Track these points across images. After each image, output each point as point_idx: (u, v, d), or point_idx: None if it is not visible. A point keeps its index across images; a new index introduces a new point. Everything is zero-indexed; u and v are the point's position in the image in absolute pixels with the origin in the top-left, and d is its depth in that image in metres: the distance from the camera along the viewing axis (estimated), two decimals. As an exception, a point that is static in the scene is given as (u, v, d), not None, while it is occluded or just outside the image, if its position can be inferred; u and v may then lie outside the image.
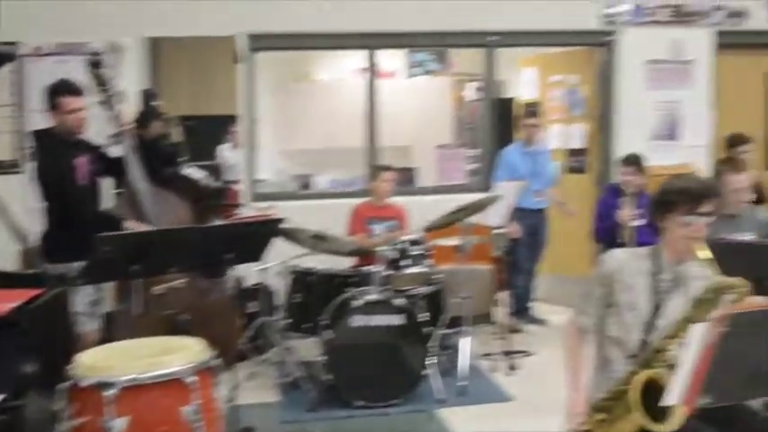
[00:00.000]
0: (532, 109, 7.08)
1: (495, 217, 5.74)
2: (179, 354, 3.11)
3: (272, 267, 5.36)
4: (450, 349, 5.47)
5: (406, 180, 7.62)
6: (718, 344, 2.11)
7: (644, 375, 2.66)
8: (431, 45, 8.14)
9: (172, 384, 2.96)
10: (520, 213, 6.19)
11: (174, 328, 3.74)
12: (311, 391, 4.90)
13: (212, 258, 3.84)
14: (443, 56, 9.08)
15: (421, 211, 5.77)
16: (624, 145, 6.79)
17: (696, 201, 2.79)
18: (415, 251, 5.21)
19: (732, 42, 7.14)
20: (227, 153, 8.24)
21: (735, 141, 6.45)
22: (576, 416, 2.88)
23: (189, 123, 7.67)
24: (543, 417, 3.55)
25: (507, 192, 5.81)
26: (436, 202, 6.11)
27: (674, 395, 2.25)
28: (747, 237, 4.40)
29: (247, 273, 5.61)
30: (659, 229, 2.93)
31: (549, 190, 6.71)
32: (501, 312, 6.52)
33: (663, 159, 6.76)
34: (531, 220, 6.55)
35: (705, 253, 2.73)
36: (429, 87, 9.12)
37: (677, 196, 2.82)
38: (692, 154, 7.02)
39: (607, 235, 5.92)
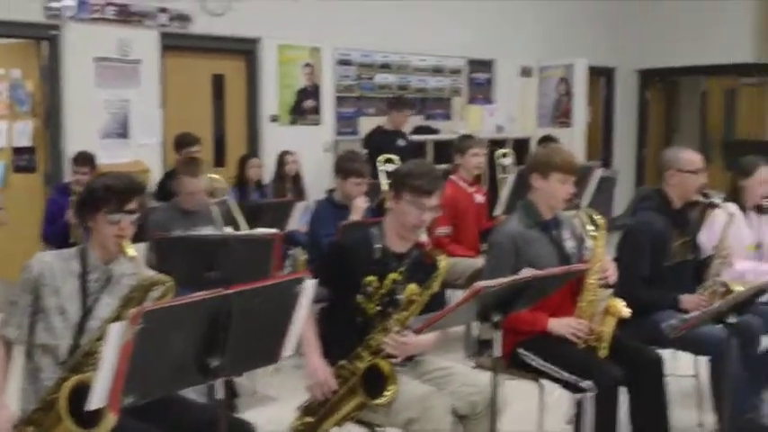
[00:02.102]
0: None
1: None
2: None
3: None
4: None
5: None
6: (135, 341, 2.11)
7: (72, 381, 2.57)
8: None
9: None
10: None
11: None
12: None
13: None
14: None
15: None
16: (74, 143, 6.62)
17: (121, 199, 2.77)
18: None
19: (178, 44, 7.40)
20: None
21: (183, 141, 6.68)
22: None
23: None
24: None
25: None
26: None
27: (97, 398, 2.19)
28: (206, 231, 4.58)
29: None
30: (88, 229, 2.85)
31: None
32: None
33: (115, 158, 6.74)
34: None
35: (131, 250, 2.73)
36: None
37: (103, 194, 2.77)
38: (143, 152, 7.12)
39: (57, 236, 5.70)
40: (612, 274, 3.59)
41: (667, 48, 10.83)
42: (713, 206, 4.44)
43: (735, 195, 4.60)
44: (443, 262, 3.09)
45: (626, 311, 3.45)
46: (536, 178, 3.64)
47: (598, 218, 3.60)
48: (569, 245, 3.69)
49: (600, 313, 3.51)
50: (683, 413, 4.26)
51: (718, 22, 10.42)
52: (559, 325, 3.51)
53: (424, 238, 3.19)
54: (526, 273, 3.03)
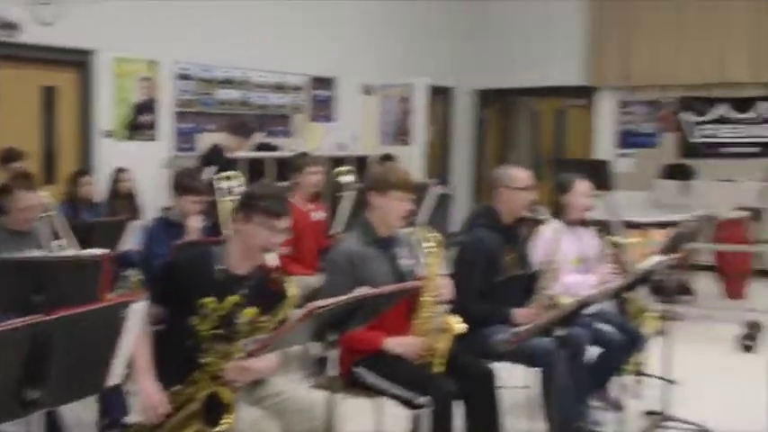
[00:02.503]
0: None
1: None
2: None
3: None
4: None
5: None
6: None
7: None
8: None
9: None
10: None
11: None
12: None
13: None
14: None
15: None
16: None
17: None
18: None
19: (5, 54, 7.02)
20: None
21: (6, 157, 6.34)
22: None
23: None
24: None
25: None
26: None
27: None
28: (34, 254, 4.33)
29: None
30: None
31: None
32: None
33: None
34: None
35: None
36: None
37: None
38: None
39: None
40: (448, 290, 3.67)
41: (503, 70, 11.27)
42: (540, 222, 4.65)
43: (558, 212, 4.81)
44: (293, 290, 3.07)
45: (461, 328, 3.53)
46: (374, 196, 3.68)
47: (434, 235, 3.68)
48: (406, 263, 3.75)
49: (436, 330, 3.57)
50: (517, 423, 4.39)
51: (550, 47, 10.95)
52: (396, 344, 3.55)
53: (274, 261, 3.14)
54: (360, 291, 3.04)
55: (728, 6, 9.83)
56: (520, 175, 4.35)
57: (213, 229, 5.15)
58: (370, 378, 3.55)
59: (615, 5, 10.63)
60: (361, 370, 3.57)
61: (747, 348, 6.16)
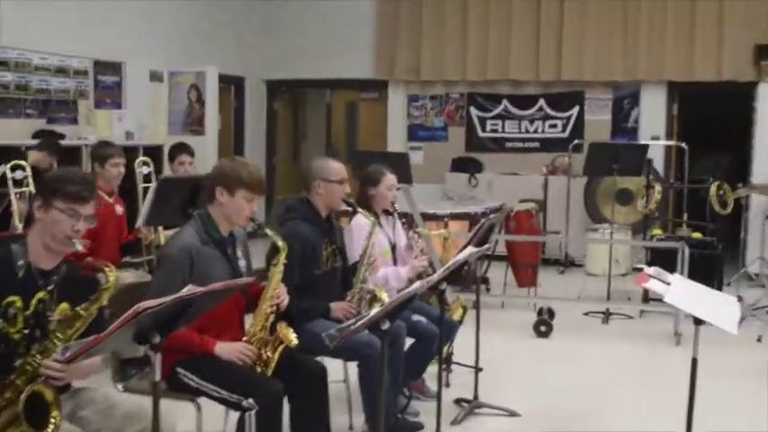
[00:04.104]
0: None
1: None
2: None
3: None
4: None
5: None
6: None
7: None
8: None
9: None
10: None
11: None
12: None
13: None
14: None
15: None
16: None
17: None
18: None
19: None
20: None
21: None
22: None
23: None
24: None
25: None
26: None
27: None
28: None
29: None
30: None
31: None
32: None
33: None
34: None
35: None
36: None
37: None
38: None
39: None
40: (285, 299, 3.54)
41: (296, 61, 11.19)
42: (355, 213, 4.63)
43: (365, 203, 4.80)
44: (112, 276, 2.84)
45: (295, 340, 3.43)
46: (221, 192, 3.46)
47: (281, 243, 3.52)
48: (242, 264, 3.58)
49: (269, 339, 3.46)
50: (337, 417, 4.32)
51: (342, 40, 11.01)
52: (227, 349, 3.39)
53: (79, 247, 2.85)
54: (188, 290, 2.84)
55: (510, 6, 10.32)
56: (337, 167, 4.31)
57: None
58: (192, 379, 3.36)
59: (404, 3, 10.84)
60: (183, 371, 3.36)
61: (542, 334, 6.49)
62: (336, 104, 12.26)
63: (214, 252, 3.45)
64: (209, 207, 3.52)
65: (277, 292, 3.48)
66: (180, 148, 6.83)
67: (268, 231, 3.53)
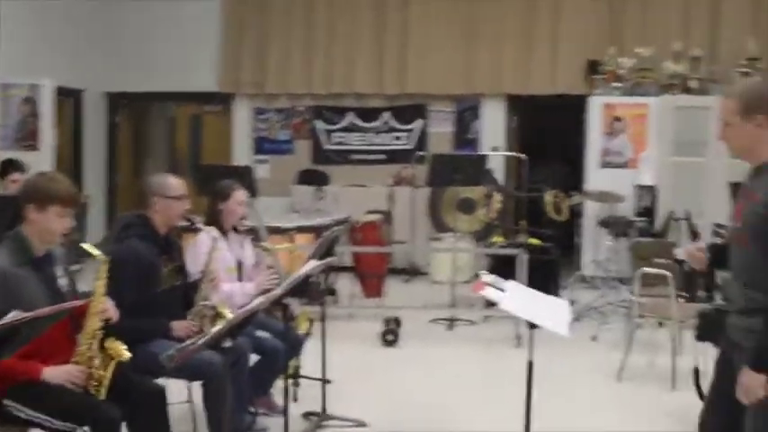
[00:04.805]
0: None
1: None
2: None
3: None
4: None
5: None
6: None
7: None
8: None
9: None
10: None
11: None
12: None
13: None
14: None
15: None
16: None
17: None
18: None
19: None
20: None
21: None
22: None
23: None
24: None
25: None
26: None
27: None
28: None
29: None
30: None
31: None
32: None
33: None
34: None
35: None
36: None
37: None
38: None
39: None
40: (113, 313, 3.41)
41: (137, 73, 10.88)
42: (197, 230, 4.54)
43: (214, 219, 4.74)
44: None
45: (126, 354, 3.30)
46: (31, 210, 3.29)
47: (98, 254, 3.38)
48: (62, 282, 3.42)
49: (99, 357, 3.31)
50: (180, 440, 4.25)
51: (186, 53, 10.82)
52: (55, 373, 3.24)
53: None
54: (13, 316, 2.70)
55: (356, 21, 10.45)
56: (175, 183, 4.22)
57: None
58: (21, 410, 3.18)
59: (249, 15, 10.77)
60: (11, 402, 3.18)
61: (389, 343, 6.57)
62: (180, 118, 12.01)
63: (32, 274, 3.28)
64: (23, 226, 3.36)
65: (101, 308, 3.33)
66: (11, 165, 6.51)
67: (84, 246, 3.37)
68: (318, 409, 4.80)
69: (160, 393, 3.51)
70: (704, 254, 3.16)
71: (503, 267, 7.02)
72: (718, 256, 3.13)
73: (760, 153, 2.85)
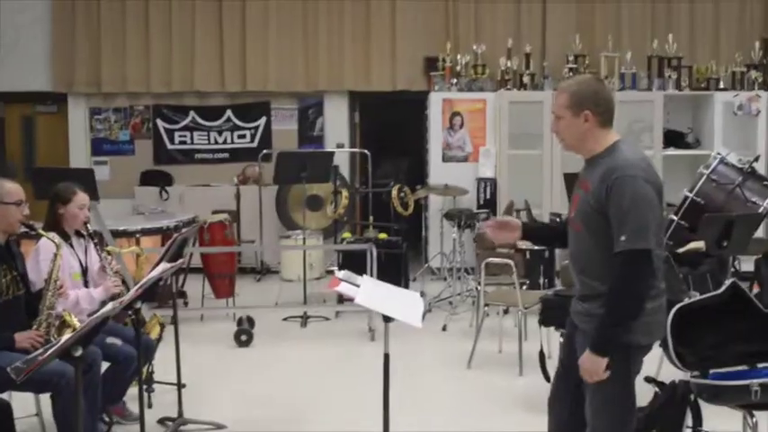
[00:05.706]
0: None
1: None
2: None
3: None
4: None
5: None
6: None
7: None
8: None
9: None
10: None
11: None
12: None
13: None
14: None
15: None
16: None
17: None
18: None
19: None
20: None
21: None
22: None
23: None
24: None
25: None
26: None
27: None
28: None
29: None
30: None
31: None
32: None
33: None
34: None
35: None
36: None
37: None
38: None
39: None
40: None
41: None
42: (38, 237, 4.36)
43: (55, 223, 4.56)
44: None
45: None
46: None
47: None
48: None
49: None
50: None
51: (15, 50, 10.31)
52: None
53: None
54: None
55: (193, 17, 10.22)
56: (11, 188, 4.05)
57: None
58: None
59: (80, 11, 10.34)
60: None
61: (243, 343, 6.52)
62: (11, 119, 11.38)
63: None
64: None
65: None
66: None
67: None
68: (175, 414, 4.71)
69: (6, 408, 3.37)
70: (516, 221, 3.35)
71: (353, 263, 7.13)
72: (539, 232, 3.64)
73: (590, 146, 3.05)
